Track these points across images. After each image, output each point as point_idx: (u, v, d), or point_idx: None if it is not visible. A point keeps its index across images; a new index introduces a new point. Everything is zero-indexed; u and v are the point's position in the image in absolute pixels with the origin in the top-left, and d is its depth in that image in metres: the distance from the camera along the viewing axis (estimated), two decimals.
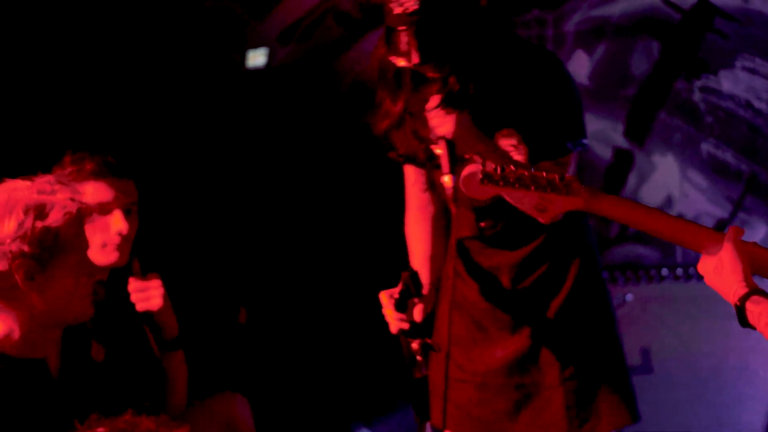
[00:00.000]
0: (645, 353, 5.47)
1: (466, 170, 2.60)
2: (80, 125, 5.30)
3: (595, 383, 3.53)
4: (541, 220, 2.68)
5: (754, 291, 2.54)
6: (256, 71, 5.95)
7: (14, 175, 2.95)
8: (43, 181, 2.88)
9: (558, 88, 3.46)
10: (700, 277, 5.36)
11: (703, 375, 5.28)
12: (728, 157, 6.00)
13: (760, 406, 5.22)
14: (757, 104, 6.01)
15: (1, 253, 2.78)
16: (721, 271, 2.61)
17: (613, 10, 6.00)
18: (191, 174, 5.90)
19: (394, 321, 3.55)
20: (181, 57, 5.87)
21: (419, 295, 3.57)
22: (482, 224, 3.56)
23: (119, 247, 3.55)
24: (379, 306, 3.60)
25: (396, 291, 3.55)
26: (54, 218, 2.79)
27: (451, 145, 3.33)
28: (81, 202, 2.88)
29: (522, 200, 2.62)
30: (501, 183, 2.60)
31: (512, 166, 2.63)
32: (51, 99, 5.30)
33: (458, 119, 3.39)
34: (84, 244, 2.90)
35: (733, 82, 6.02)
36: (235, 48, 5.99)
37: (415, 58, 3.37)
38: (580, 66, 6.03)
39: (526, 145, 3.34)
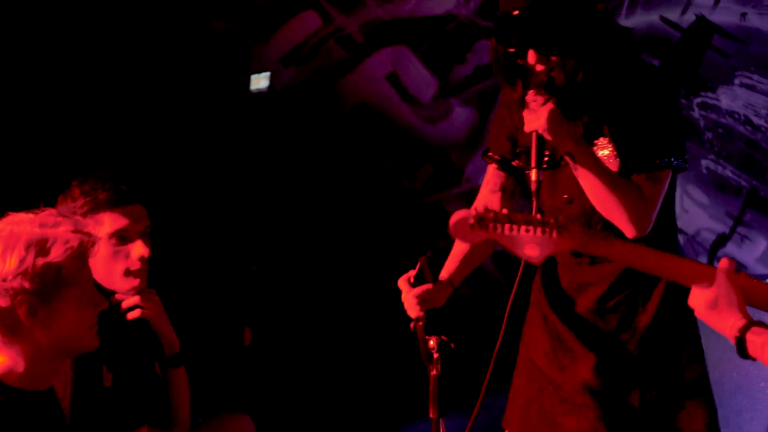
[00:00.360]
0: None
1: (455, 216, 2.55)
2: (85, 148, 5.35)
3: (678, 406, 3.50)
4: (532, 262, 2.68)
5: (752, 323, 2.52)
6: (260, 94, 6.02)
7: (19, 205, 2.97)
8: (46, 214, 2.87)
9: (659, 104, 3.38)
10: None
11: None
12: (728, 172, 6.02)
13: (760, 418, 5.23)
14: (755, 120, 6.04)
15: (3, 290, 2.77)
16: (715, 305, 2.59)
17: None
18: (198, 195, 5.95)
19: (413, 306, 3.53)
20: (187, 81, 5.92)
21: (435, 281, 3.56)
22: None
23: (141, 272, 3.61)
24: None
25: (412, 274, 3.55)
26: (56, 254, 2.78)
27: (540, 139, 3.33)
28: (84, 234, 2.88)
29: (513, 243, 2.58)
30: (491, 227, 2.57)
31: (504, 210, 2.59)
32: (60, 122, 5.36)
33: (551, 114, 3.33)
34: (87, 276, 2.90)
35: (731, 98, 6.04)
36: (239, 72, 6.05)
37: (520, 46, 3.35)
38: None
39: (618, 157, 3.36)
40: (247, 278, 5.98)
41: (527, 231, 2.53)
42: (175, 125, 5.90)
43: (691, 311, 3.45)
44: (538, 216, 2.54)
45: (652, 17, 6.07)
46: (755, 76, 6.04)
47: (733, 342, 2.53)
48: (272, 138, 6.06)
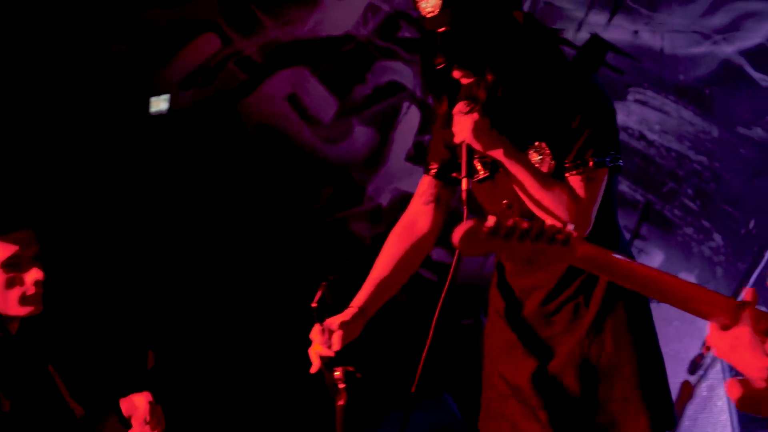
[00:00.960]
0: None
1: (464, 226, 2.47)
2: None
3: (619, 409, 3.49)
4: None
5: None
6: (160, 116, 6.00)
7: None
8: None
9: (590, 104, 3.39)
10: None
11: None
12: (624, 187, 6.11)
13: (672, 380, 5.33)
14: (649, 135, 6.13)
15: None
16: (738, 347, 2.44)
17: None
18: (98, 216, 5.92)
19: (316, 347, 3.52)
20: (87, 104, 5.89)
21: (332, 306, 3.56)
22: None
23: (36, 297, 3.62)
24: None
25: (315, 299, 3.54)
26: None
27: (469, 148, 3.36)
28: None
29: (514, 252, 2.49)
30: (504, 237, 2.47)
31: (512, 219, 2.49)
32: None
33: (476, 124, 3.35)
34: None
35: (626, 114, 6.14)
36: (139, 94, 6.03)
37: (442, 60, 3.37)
38: None
39: (553, 159, 3.38)
40: (148, 301, 5.95)
41: (530, 242, 2.47)
42: (74, 147, 5.87)
43: (633, 311, 3.50)
44: (544, 224, 2.48)
45: None
46: (648, 92, 6.14)
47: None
48: (173, 160, 6.03)
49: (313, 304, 3.55)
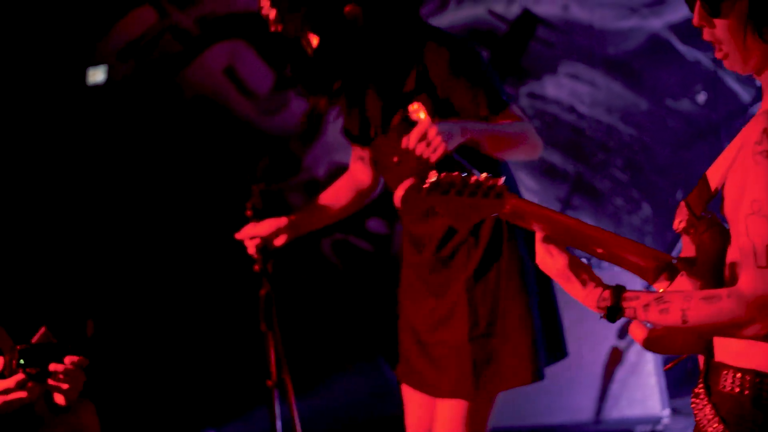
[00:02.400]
0: None
1: (406, 184, 2.57)
2: None
3: (501, 343, 3.66)
4: (459, 227, 2.74)
5: (615, 286, 2.49)
6: (97, 87, 5.98)
7: None
8: None
9: (465, 59, 3.63)
10: None
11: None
12: (555, 159, 6.19)
13: (590, 390, 5.41)
14: (580, 108, 6.22)
15: None
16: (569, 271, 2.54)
17: (442, 21, 6.12)
18: (35, 189, 5.90)
19: (247, 230, 3.90)
20: (24, 74, 5.86)
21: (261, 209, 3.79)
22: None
23: None
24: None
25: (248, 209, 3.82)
26: None
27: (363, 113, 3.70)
28: None
29: (449, 207, 2.54)
30: (442, 193, 2.52)
31: (451, 174, 2.54)
32: None
33: (441, 132, 3.55)
34: None
35: (557, 87, 6.21)
36: (77, 65, 6.00)
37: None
38: None
39: (436, 116, 3.57)
40: (88, 272, 5.95)
41: (467, 195, 2.53)
42: (12, 119, 5.85)
43: (517, 256, 3.69)
44: (482, 178, 2.53)
45: (479, 10, 6.22)
46: (579, 66, 6.22)
47: (600, 310, 2.48)
48: (111, 131, 6.02)
49: (248, 213, 3.82)
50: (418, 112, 3.52)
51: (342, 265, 6.22)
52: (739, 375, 2.47)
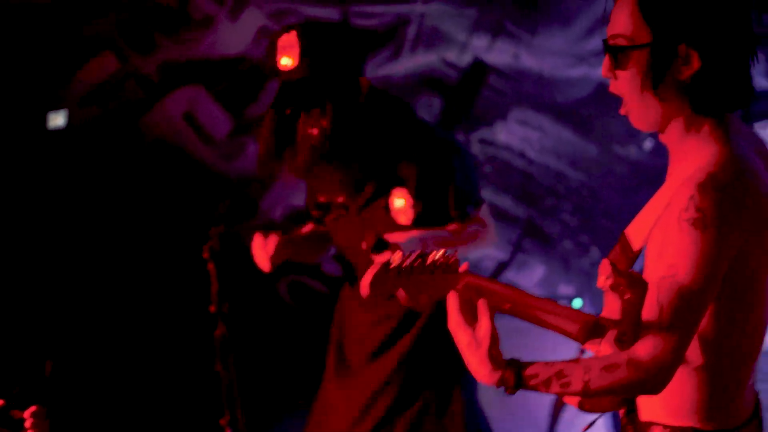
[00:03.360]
0: None
1: (370, 273, 2.51)
2: None
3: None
4: (420, 309, 2.78)
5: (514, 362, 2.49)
6: (58, 132, 5.98)
7: None
8: None
9: (446, 158, 3.76)
10: None
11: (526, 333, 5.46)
12: (506, 203, 6.20)
13: (544, 399, 5.43)
14: (530, 154, 6.25)
15: None
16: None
17: (396, 69, 6.21)
18: None
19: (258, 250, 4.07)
20: None
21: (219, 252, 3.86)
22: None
23: None
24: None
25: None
26: None
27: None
28: None
29: (412, 288, 2.53)
30: (407, 274, 2.51)
31: (414, 253, 2.53)
32: None
33: (322, 170, 3.65)
34: None
35: (508, 133, 6.23)
36: (37, 110, 6.00)
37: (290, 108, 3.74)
38: None
39: (419, 207, 3.68)
40: (47, 313, 5.94)
41: (431, 273, 2.52)
42: None
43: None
44: (439, 256, 2.52)
45: (432, 58, 6.27)
46: (528, 113, 6.23)
47: (503, 387, 2.47)
48: (72, 175, 6.04)
49: (205, 254, 3.88)
50: (400, 199, 3.63)
51: (297, 306, 6.24)
52: None
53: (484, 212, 3.79)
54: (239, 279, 6.01)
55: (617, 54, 2.49)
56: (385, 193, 3.68)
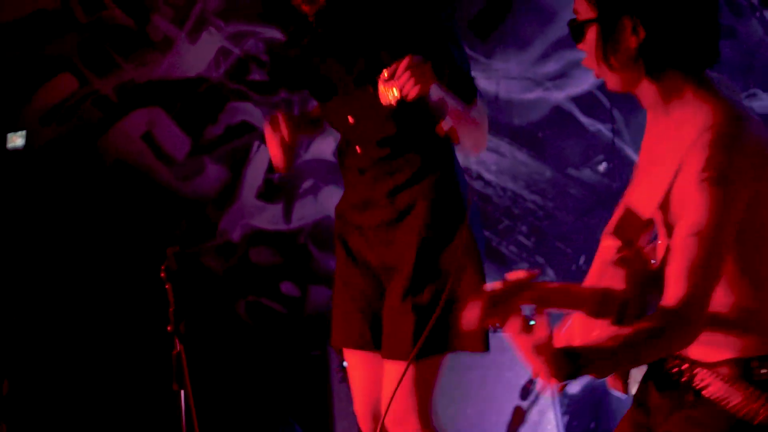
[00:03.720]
0: None
1: (470, 315, 2.66)
2: None
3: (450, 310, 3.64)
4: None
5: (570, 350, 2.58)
6: (17, 152, 5.98)
7: None
8: None
9: (446, 38, 3.72)
10: None
11: (466, 385, 5.51)
12: None
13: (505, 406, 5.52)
14: (486, 176, 6.32)
15: None
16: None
17: None
18: None
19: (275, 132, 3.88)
20: None
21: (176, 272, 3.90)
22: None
23: None
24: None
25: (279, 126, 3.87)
26: None
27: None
28: None
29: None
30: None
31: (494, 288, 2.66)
32: None
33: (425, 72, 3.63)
34: None
35: (464, 155, 6.32)
36: None
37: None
38: (325, 144, 6.28)
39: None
40: (2, 332, 5.93)
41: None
42: None
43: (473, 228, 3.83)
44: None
45: None
46: None
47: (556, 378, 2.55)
48: (29, 195, 6.04)
49: (162, 274, 3.89)
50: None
51: (255, 326, 6.26)
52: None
53: (480, 104, 3.75)
54: (198, 299, 6.06)
55: (576, 31, 2.76)
56: (377, 72, 3.65)
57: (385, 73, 3.50)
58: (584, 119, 6.42)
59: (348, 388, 5.53)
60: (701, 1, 2.71)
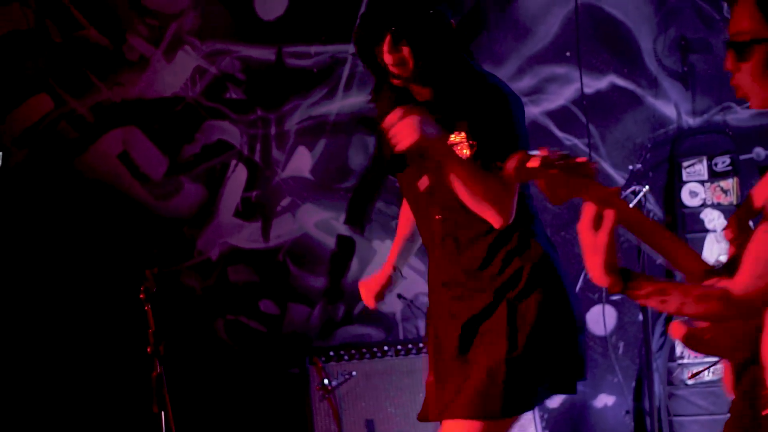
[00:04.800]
0: (369, 424, 5.73)
1: (514, 158, 2.81)
2: None
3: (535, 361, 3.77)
4: (552, 201, 2.89)
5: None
6: None
7: None
8: None
9: (499, 104, 3.73)
10: (418, 352, 5.73)
11: None
12: None
13: None
14: None
15: None
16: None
17: (331, 108, 6.30)
18: None
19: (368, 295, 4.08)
20: None
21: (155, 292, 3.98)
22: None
23: None
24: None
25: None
26: None
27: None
28: None
29: (551, 179, 2.83)
30: (545, 167, 2.82)
31: (557, 153, 2.85)
32: None
33: (417, 123, 3.64)
34: None
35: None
36: None
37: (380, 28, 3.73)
38: (303, 161, 6.31)
39: (474, 150, 3.68)
40: None
41: (568, 174, 2.81)
42: None
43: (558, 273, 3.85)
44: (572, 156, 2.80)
45: (366, 97, 6.27)
46: None
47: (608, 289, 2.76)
48: (5, 215, 6.02)
49: (141, 295, 3.91)
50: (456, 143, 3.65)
51: (234, 345, 6.28)
52: None
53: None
54: (177, 319, 6.06)
55: (742, 48, 2.82)
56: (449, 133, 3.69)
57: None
58: (560, 134, 6.48)
59: (327, 405, 5.57)
60: None
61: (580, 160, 2.84)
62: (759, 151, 6.60)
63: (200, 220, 6.26)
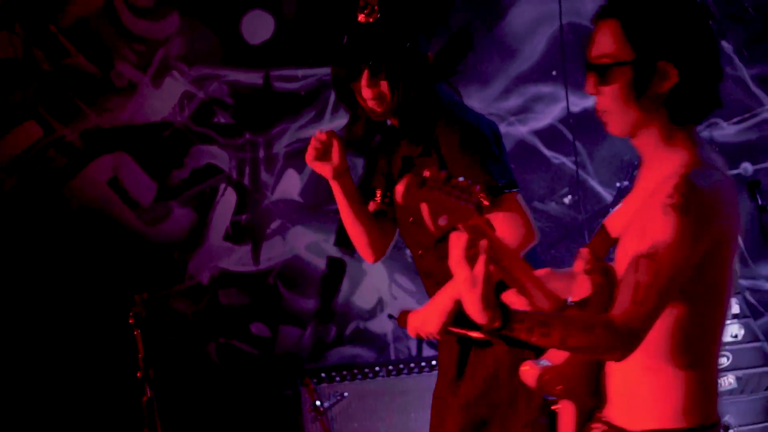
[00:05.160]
0: None
1: (403, 181, 2.76)
2: None
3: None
4: (432, 230, 2.81)
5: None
6: None
7: None
8: None
9: (478, 138, 3.80)
10: (409, 372, 5.74)
11: (414, 410, 5.61)
12: None
13: None
14: None
15: None
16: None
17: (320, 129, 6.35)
18: None
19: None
20: None
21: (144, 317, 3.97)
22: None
23: None
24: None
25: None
26: None
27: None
28: None
29: (432, 206, 2.75)
30: (434, 188, 2.73)
31: (443, 174, 2.75)
32: None
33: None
34: None
35: None
36: None
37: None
38: (292, 184, 6.33)
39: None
40: None
41: (456, 199, 2.71)
42: None
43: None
44: (465, 182, 2.72)
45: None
46: None
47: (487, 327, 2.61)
48: None
49: (131, 321, 3.90)
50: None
51: (226, 369, 6.28)
52: None
53: (518, 198, 3.77)
54: (168, 343, 6.06)
55: (604, 71, 2.74)
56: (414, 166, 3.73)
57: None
58: (548, 152, 6.50)
59: (320, 426, 5.57)
60: (718, 49, 2.79)
61: (462, 181, 2.75)
62: (746, 166, 6.62)
63: (190, 244, 6.27)
